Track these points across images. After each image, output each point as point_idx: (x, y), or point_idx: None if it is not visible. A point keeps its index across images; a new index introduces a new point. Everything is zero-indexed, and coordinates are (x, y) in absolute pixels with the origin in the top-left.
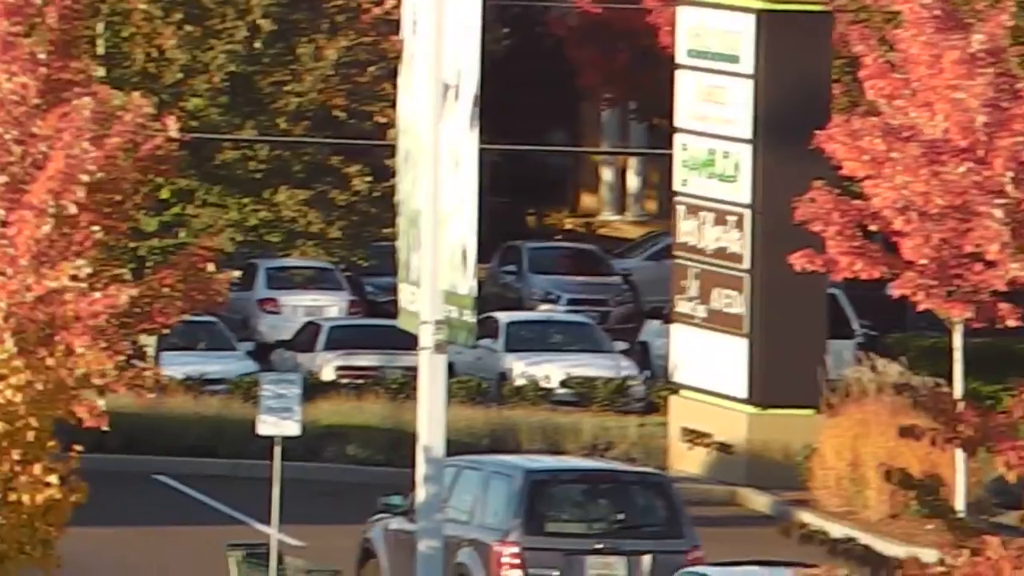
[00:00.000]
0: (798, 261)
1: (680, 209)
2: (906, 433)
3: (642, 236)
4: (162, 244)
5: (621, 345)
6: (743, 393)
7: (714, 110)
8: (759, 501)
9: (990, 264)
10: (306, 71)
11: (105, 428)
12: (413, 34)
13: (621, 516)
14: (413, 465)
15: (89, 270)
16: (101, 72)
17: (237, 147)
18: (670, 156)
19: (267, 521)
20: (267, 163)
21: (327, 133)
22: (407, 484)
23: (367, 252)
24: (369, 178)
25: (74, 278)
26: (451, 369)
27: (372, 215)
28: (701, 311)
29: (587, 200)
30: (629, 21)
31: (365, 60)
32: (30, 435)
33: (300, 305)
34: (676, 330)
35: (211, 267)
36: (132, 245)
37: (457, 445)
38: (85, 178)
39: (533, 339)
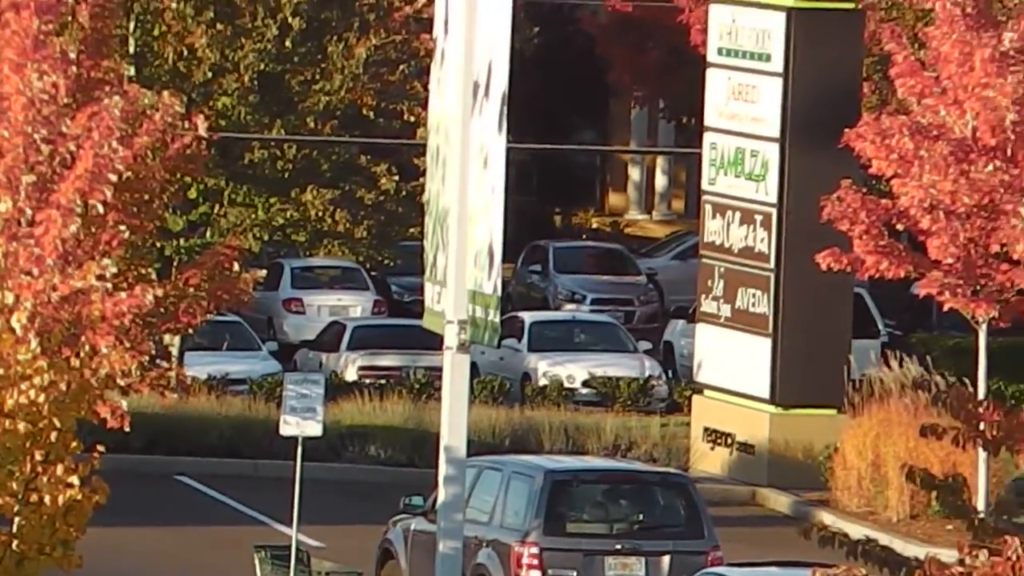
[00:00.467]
0: (824, 260)
1: (707, 208)
2: (928, 432)
3: (668, 235)
4: (189, 244)
5: (645, 345)
6: (766, 393)
7: (744, 108)
8: (780, 501)
9: (1016, 263)
10: (336, 70)
11: (128, 428)
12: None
13: (641, 516)
14: (435, 465)
15: (115, 270)
16: (131, 71)
17: (265, 146)
18: (698, 155)
19: (289, 522)
20: (295, 162)
21: (356, 132)
22: (428, 484)
23: (393, 251)
24: (397, 177)
25: (100, 278)
26: (474, 369)
27: (399, 214)
28: (726, 310)
29: (614, 199)
30: (660, 19)
31: (395, 59)
32: (53, 436)
33: (325, 305)
34: (701, 330)
35: (237, 267)
36: (159, 244)
37: (479, 445)
38: (113, 177)
39: (557, 339)
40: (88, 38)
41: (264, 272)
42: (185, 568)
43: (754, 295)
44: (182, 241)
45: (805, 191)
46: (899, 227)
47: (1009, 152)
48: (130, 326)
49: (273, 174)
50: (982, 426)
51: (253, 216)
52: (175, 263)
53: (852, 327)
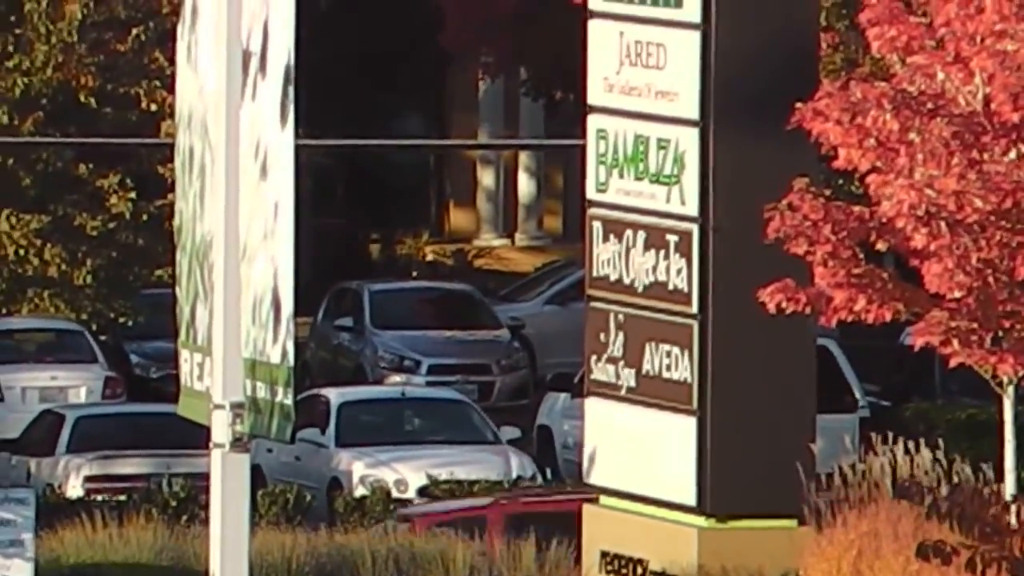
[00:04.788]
0: (772, 299)
1: (596, 227)
2: (929, 554)
3: (539, 269)
4: None
5: (511, 432)
6: (692, 499)
7: (645, 77)
8: None
9: None
10: (38, 37)
11: None
12: None
13: None
14: None
15: None
16: None
17: None
18: (581, 149)
19: None
20: None
21: (71, 129)
22: None
23: (131, 304)
24: (133, 194)
25: None
26: (257, 475)
27: (138, 249)
28: (628, 378)
29: (458, 217)
30: None
31: (126, 19)
32: None
33: (32, 387)
34: (592, 407)
35: None
36: None
37: None
38: None
39: (380, 426)
40: None
41: None
42: None
43: (670, 354)
44: None
45: (740, 197)
46: (881, 246)
47: None
48: None
49: None
50: (1009, 541)
51: None
52: None
53: (816, 397)
